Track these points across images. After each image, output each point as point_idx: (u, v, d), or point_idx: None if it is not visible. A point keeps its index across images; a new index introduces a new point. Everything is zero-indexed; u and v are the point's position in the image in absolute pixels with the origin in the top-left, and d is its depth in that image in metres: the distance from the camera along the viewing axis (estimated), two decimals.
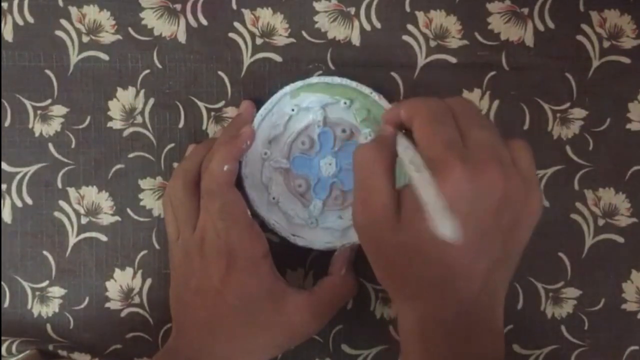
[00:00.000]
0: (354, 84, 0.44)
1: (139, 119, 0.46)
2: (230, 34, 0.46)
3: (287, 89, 0.44)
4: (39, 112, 0.46)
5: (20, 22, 0.46)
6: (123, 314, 0.47)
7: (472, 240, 0.32)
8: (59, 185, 0.46)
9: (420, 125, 0.34)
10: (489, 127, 0.35)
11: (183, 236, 0.42)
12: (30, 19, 0.46)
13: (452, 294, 0.34)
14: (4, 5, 0.46)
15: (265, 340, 0.41)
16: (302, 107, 0.45)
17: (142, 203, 0.46)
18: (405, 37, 0.46)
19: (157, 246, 0.46)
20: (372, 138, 0.37)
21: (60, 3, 0.46)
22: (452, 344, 0.35)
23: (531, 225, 0.35)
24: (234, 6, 0.46)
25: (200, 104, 0.46)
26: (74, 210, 0.46)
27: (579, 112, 0.46)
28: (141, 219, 0.46)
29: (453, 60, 0.46)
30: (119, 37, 0.46)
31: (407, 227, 0.33)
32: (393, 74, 0.46)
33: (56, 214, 0.46)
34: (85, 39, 0.46)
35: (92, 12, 0.46)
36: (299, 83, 0.44)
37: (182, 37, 0.46)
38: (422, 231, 0.32)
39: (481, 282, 0.34)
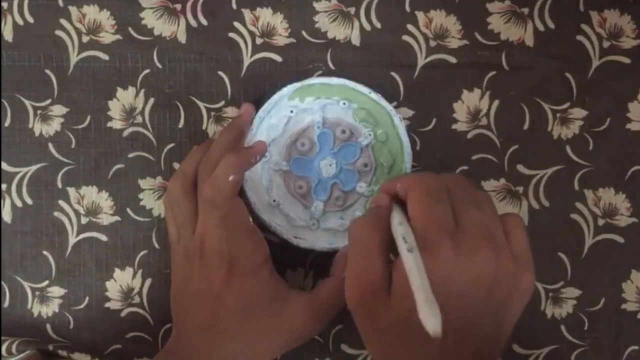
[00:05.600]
0: (352, 84, 0.44)
1: (139, 119, 0.46)
2: (230, 34, 0.46)
3: (285, 90, 0.44)
4: (39, 112, 0.46)
5: (20, 22, 0.46)
6: (123, 314, 0.47)
7: (461, 322, 0.33)
8: (59, 185, 0.46)
9: (415, 201, 0.35)
10: (484, 204, 0.35)
11: (183, 238, 0.42)
12: (30, 19, 0.46)
13: None
14: (4, 5, 0.45)
15: (266, 342, 0.41)
16: (301, 108, 0.45)
17: (142, 203, 0.46)
18: (405, 37, 0.46)
19: (157, 246, 0.46)
20: (369, 210, 0.37)
21: (60, 3, 0.46)
22: None
23: (522, 304, 0.35)
24: (234, 6, 0.46)
25: (200, 104, 0.46)
26: (74, 210, 0.46)
27: (579, 112, 0.46)
28: (141, 219, 0.46)
29: (453, 60, 0.46)
30: (119, 37, 0.46)
31: (398, 304, 0.33)
32: (393, 74, 0.46)
33: (56, 213, 0.46)
34: (85, 38, 0.46)
35: (92, 12, 0.46)
36: (297, 84, 0.44)
37: (182, 37, 0.46)
38: (413, 310, 0.32)
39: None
